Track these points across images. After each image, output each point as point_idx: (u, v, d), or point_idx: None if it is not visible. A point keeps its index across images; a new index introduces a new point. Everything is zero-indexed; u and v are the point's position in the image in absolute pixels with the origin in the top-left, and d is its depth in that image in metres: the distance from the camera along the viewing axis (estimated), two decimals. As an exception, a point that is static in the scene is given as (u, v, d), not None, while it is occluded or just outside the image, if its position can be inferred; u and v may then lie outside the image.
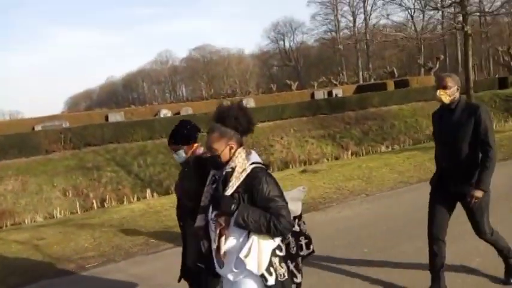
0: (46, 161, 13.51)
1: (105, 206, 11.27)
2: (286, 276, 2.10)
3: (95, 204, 11.56)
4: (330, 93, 25.01)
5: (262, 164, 2.15)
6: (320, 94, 24.60)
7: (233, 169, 2.08)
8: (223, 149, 2.10)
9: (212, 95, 52.62)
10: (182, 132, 2.82)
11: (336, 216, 5.53)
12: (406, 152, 10.01)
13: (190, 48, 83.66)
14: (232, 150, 2.11)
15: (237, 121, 2.10)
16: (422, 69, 43.66)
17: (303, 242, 2.29)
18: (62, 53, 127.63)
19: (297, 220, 2.24)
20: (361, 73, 50.89)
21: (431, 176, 3.41)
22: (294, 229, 2.18)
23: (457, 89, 3.26)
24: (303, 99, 23.48)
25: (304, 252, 2.29)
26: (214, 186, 2.19)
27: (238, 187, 2.05)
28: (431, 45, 49.23)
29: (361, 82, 43.09)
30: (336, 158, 14.90)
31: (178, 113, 20.55)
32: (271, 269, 2.05)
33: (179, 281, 2.90)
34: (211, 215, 2.13)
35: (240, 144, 2.13)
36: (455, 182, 3.23)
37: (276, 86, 49.38)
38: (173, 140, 2.82)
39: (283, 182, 7.72)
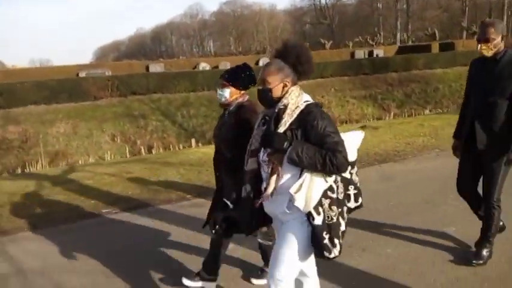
0: (94, 107, 13.92)
1: (153, 153, 11.65)
2: (335, 220, 2.02)
3: (142, 151, 11.95)
4: (370, 53, 24.35)
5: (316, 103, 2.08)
6: (360, 54, 23.99)
7: (285, 106, 2.02)
8: (277, 83, 2.03)
9: (241, 51, 51.97)
10: (240, 74, 2.69)
11: (416, 167, 5.64)
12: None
13: (221, 2, 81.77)
14: (286, 88, 2.04)
15: (297, 59, 2.04)
16: (465, 33, 41.80)
17: (352, 192, 2.14)
18: (92, 4, 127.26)
19: (349, 167, 2.08)
20: (398, 34, 49.00)
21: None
22: (344, 175, 2.08)
23: (502, 39, 2.93)
24: (342, 58, 23.00)
25: (352, 204, 2.16)
26: (265, 127, 2.11)
27: (291, 124, 1.98)
28: (476, 6, 46.80)
29: (398, 44, 41.59)
30: (378, 119, 14.78)
31: (216, 67, 20.52)
32: (320, 209, 1.99)
33: (204, 226, 2.87)
34: (263, 156, 2.07)
35: (294, 83, 2.06)
36: (483, 140, 3.04)
37: (308, 44, 48.40)
38: (227, 75, 2.70)
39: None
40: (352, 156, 2.09)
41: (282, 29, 68.62)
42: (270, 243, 2.80)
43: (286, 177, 2.01)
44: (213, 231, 2.58)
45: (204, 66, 20.82)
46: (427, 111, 15.38)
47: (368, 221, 3.75)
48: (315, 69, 12.70)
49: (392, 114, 15.13)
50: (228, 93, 2.68)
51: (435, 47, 23.49)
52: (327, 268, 2.53)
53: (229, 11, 75.72)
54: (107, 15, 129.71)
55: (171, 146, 12.29)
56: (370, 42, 41.68)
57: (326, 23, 59.15)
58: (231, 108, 2.71)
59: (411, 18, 51.73)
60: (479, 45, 2.94)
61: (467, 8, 41.79)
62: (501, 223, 3.36)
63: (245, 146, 2.22)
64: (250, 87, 2.71)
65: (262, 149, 2.08)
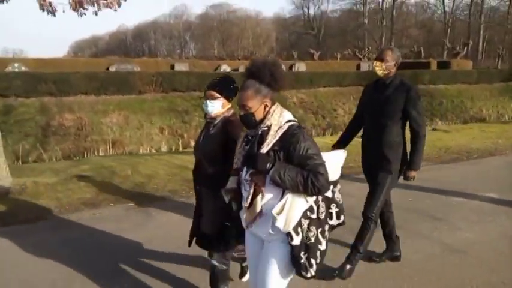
0: (141, 100, 14.64)
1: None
2: (313, 241, 2.06)
3: (192, 143, 12.81)
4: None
5: (297, 122, 2.10)
6: (365, 66, 25.67)
7: (269, 127, 2.03)
8: (258, 107, 2.04)
9: (222, 56, 52.70)
10: (229, 85, 2.65)
11: None
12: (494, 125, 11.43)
13: (207, 5, 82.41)
14: (267, 108, 2.06)
15: (272, 78, 2.03)
16: (445, 53, 44.66)
17: (334, 210, 2.18)
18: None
19: (331, 186, 2.13)
20: (383, 50, 51.53)
21: None
22: (326, 194, 2.12)
23: (395, 65, 3.21)
24: (349, 68, 24.57)
25: (334, 221, 2.20)
26: (248, 146, 2.14)
27: (274, 145, 2.01)
28: (457, 29, 50.02)
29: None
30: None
31: (237, 70, 21.56)
32: (299, 229, 2.02)
33: (190, 245, 2.82)
34: (245, 175, 2.09)
35: (273, 102, 2.09)
36: (373, 159, 3.31)
37: (297, 53, 49.94)
38: (218, 86, 2.62)
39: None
40: (334, 175, 2.15)
41: (268, 36, 70.14)
42: (225, 268, 2.73)
43: (268, 197, 2.03)
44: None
45: (224, 68, 21.81)
46: (440, 123, 17.04)
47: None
48: (336, 78, 14.58)
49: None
50: (220, 105, 2.61)
51: (433, 64, 25.50)
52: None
53: (214, 15, 76.47)
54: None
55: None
56: (359, 55, 43.84)
57: (313, 33, 61.20)
58: (216, 122, 2.64)
59: (395, 35, 54.62)
60: (375, 62, 3.26)
61: (449, 29, 44.66)
62: (398, 253, 3.63)
63: (230, 161, 2.22)
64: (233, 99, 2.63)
65: (245, 168, 2.11)
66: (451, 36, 48.78)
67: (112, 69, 18.44)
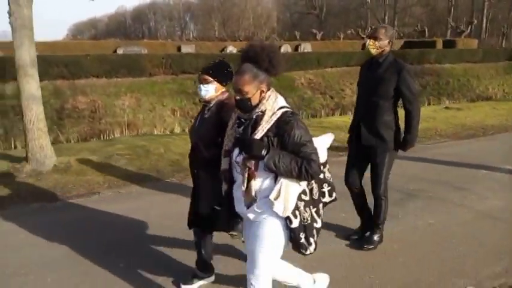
0: (152, 82, 14.78)
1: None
2: (309, 221, 2.16)
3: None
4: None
5: (290, 108, 2.11)
6: (370, 46, 25.57)
7: (263, 112, 2.05)
8: (254, 92, 2.04)
9: (223, 37, 52.36)
10: (223, 70, 2.65)
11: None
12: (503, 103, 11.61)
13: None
14: (263, 94, 2.06)
15: (270, 63, 2.03)
16: (449, 31, 44.36)
17: (326, 189, 2.32)
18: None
19: (321, 167, 2.19)
20: (386, 29, 51.12)
21: None
22: None
23: (388, 43, 3.19)
24: (354, 48, 24.55)
25: (327, 199, 2.34)
26: (240, 129, 2.15)
27: (268, 130, 2.03)
28: (461, 6, 49.50)
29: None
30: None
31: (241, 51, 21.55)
32: (296, 212, 2.10)
33: (190, 228, 2.86)
34: (237, 158, 2.12)
35: (269, 87, 2.09)
36: (368, 138, 3.30)
37: (299, 34, 49.55)
38: (211, 71, 2.62)
39: (437, 114, 9.68)
40: (323, 157, 2.23)
41: (268, 16, 69.45)
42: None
43: (259, 180, 2.08)
44: (191, 228, 2.67)
45: (231, 49, 21.82)
46: (447, 102, 17.18)
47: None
48: (343, 58, 14.76)
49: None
50: (213, 89, 2.63)
51: (439, 43, 25.46)
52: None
53: (215, -6, 75.51)
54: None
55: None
56: (362, 35, 43.57)
57: (315, 13, 60.55)
58: (210, 105, 2.66)
59: (398, 14, 54.08)
60: (368, 40, 3.26)
61: (452, 8, 44.22)
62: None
63: None
64: (229, 83, 2.61)
65: (236, 150, 2.13)
66: (454, 14, 48.32)
67: (119, 51, 18.47)
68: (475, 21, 38.18)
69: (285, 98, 2.18)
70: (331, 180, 2.36)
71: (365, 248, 3.44)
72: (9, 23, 5.70)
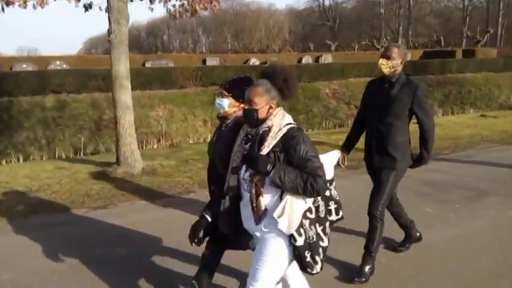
0: (183, 94, 15.23)
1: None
2: (315, 239, 2.14)
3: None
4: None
5: (297, 125, 2.14)
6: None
7: (269, 128, 2.09)
8: (263, 105, 2.09)
9: (237, 49, 52.93)
10: (242, 86, 2.48)
11: None
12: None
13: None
14: (271, 110, 2.11)
15: (285, 83, 2.10)
16: (464, 41, 44.45)
17: (332, 207, 2.29)
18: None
19: (328, 184, 2.18)
20: (400, 40, 51.36)
21: None
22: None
23: (401, 63, 3.13)
24: (374, 59, 24.81)
25: (333, 217, 2.31)
26: (247, 145, 2.19)
27: (274, 146, 2.05)
28: (474, 17, 49.60)
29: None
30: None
31: (265, 63, 22.02)
32: (301, 230, 2.09)
33: (212, 243, 2.76)
34: (245, 175, 2.14)
35: (278, 105, 2.14)
36: (379, 159, 3.23)
37: (313, 45, 50.04)
38: (228, 85, 2.58)
39: (477, 122, 9.80)
40: (329, 175, 2.24)
41: (281, 28, 70.21)
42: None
43: (266, 197, 2.09)
44: (193, 244, 2.55)
45: (253, 61, 22.30)
46: (471, 111, 17.33)
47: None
48: (367, 68, 15.12)
49: (440, 112, 16.99)
50: (226, 104, 2.55)
51: (459, 53, 25.64)
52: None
53: (227, 8, 76.67)
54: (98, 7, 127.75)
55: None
56: (377, 46, 43.83)
57: (329, 24, 61.10)
58: (228, 121, 2.59)
59: (413, 25, 54.29)
60: (381, 59, 3.13)
61: (468, 18, 44.28)
62: (418, 234, 3.69)
63: None
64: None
65: (244, 167, 2.15)
66: (469, 24, 48.43)
67: (148, 65, 19.03)
68: (492, 30, 38.18)
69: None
70: (337, 198, 2.35)
71: (356, 281, 3.18)
72: (109, 40, 6.12)
